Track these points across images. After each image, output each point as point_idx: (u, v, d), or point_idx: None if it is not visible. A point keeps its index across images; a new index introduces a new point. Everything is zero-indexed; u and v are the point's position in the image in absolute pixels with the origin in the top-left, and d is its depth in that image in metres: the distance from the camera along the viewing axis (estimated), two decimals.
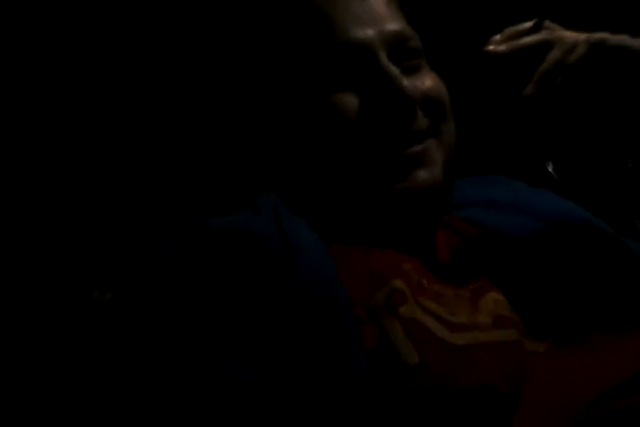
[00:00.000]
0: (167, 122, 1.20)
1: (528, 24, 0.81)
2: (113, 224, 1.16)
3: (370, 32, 0.84)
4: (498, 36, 0.81)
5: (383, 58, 0.83)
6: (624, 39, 0.77)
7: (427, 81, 0.86)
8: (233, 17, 0.91)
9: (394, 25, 0.86)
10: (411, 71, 0.85)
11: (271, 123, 0.88)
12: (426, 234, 0.88)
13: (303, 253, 0.77)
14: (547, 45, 0.78)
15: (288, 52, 0.85)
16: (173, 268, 0.74)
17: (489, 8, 1.23)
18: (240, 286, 0.74)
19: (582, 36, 0.77)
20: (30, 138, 1.16)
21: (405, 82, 0.82)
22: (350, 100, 0.82)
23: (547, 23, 0.81)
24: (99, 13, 1.19)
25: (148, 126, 1.20)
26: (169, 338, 0.70)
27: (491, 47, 0.79)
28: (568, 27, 0.81)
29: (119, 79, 1.19)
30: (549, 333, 0.79)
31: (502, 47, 0.79)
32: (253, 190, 0.90)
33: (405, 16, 0.90)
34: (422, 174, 0.83)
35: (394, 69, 0.83)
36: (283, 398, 0.71)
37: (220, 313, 0.72)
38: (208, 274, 0.74)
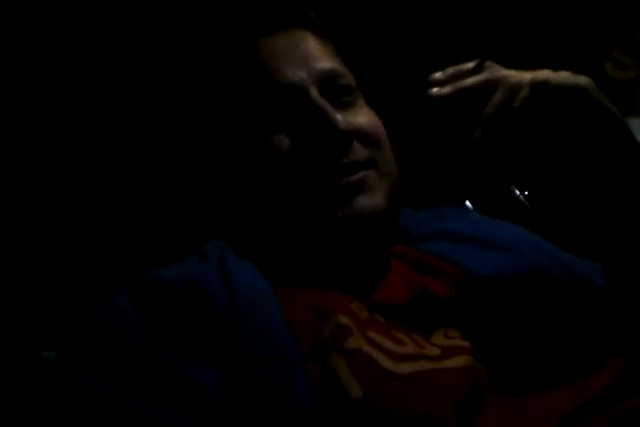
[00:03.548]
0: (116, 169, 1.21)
1: (470, 64, 0.81)
2: (69, 270, 1.16)
3: (301, 72, 0.89)
4: (439, 75, 0.80)
5: (314, 94, 0.87)
6: (567, 77, 0.76)
7: (360, 116, 0.90)
8: (183, 66, 0.94)
9: (324, 64, 0.91)
10: (344, 107, 0.89)
11: (216, 166, 0.93)
12: (375, 269, 0.89)
13: (246, 294, 0.80)
14: (490, 86, 0.78)
15: (230, 98, 0.91)
16: (120, 326, 0.76)
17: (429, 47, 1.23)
18: (183, 336, 0.76)
19: (525, 77, 0.76)
20: None
21: (337, 115, 0.86)
22: (285, 138, 0.87)
23: (487, 63, 0.80)
24: None
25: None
26: (108, 400, 0.72)
27: (435, 90, 0.79)
28: (508, 65, 0.81)
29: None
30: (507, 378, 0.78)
31: (446, 90, 0.79)
32: (202, 237, 0.93)
33: (344, 57, 0.95)
34: (362, 201, 0.85)
35: (325, 104, 0.87)
36: None
37: (162, 369, 0.74)
38: (153, 330, 0.76)
